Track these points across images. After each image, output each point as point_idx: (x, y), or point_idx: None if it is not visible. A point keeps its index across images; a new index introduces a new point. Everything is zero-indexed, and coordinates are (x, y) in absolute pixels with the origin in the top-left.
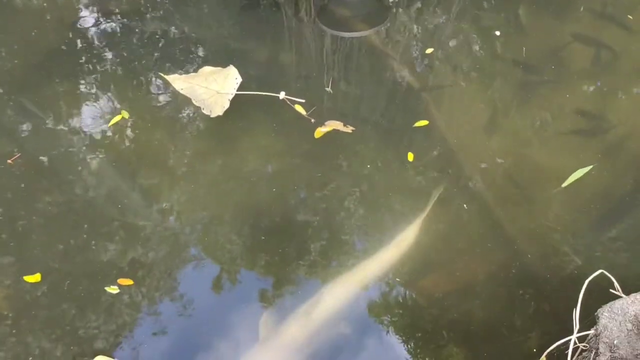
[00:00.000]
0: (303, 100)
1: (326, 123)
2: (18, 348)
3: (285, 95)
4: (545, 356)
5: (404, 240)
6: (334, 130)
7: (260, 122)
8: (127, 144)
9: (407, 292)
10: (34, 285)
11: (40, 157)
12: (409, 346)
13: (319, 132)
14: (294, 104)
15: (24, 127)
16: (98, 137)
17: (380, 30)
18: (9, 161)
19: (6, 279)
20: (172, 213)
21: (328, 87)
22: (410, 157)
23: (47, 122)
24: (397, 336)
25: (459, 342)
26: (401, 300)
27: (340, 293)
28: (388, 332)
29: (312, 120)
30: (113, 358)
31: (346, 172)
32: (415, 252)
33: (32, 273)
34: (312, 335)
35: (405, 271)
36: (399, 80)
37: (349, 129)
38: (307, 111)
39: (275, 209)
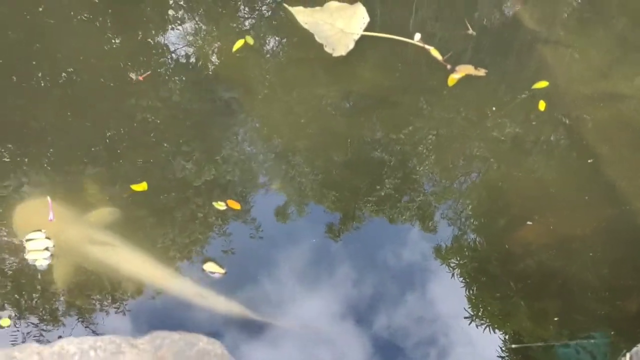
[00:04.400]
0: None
1: (457, 68)
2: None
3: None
4: None
5: None
6: (466, 75)
7: (386, 67)
8: (245, 69)
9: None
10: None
11: (162, 72)
12: (499, 295)
13: (452, 79)
14: (428, 48)
15: (152, 45)
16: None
17: None
18: (140, 78)
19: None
20: (273, 138)
21: (469, 29)
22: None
23: (171, 39)
24: (488, 286)
25: (553, 296)
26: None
27: None
28: (478, 281)
29: (448, 67)
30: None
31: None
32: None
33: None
34: None
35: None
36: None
37: (481, 72)
38: (443, 56)
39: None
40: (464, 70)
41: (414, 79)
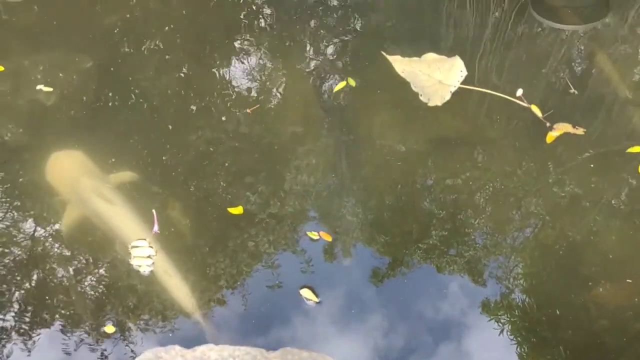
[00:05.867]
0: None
1: (555, 126)
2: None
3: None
4: None
5: None
6: (564, 133)
7: (481, 120)
8: (342, 108)
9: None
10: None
11: (273, 107)
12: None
13: (551, 136)
14: (528, 105)
15: (262, 80)
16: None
17: (598, 26)
18: (248, 110)
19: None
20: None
21: (571, 88)
22: None
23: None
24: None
25: None
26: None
27: None
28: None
29: (547, 124)
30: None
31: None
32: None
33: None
34: None
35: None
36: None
37: (580, 131)
38: (543, 113)
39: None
40: (562, 128)
41: (509, 133)
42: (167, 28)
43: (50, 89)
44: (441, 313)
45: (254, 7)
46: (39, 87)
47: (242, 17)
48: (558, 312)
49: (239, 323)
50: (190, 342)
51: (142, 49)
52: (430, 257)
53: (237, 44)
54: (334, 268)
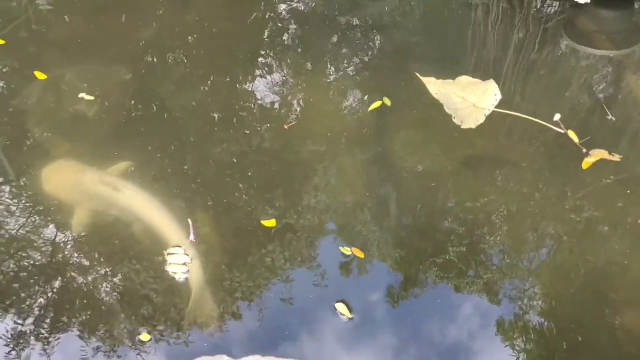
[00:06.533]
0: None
1: (591, 152)
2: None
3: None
4: None
5: None
6: (601, 160)
7: (516, 144)
8: (375, 127)
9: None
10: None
11: (308, 124)
12: None
13: (587, 162)
14: (564, 130)
15: (298, 98)
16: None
17: (634, 52)
18: (286, 126)
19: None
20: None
21: (609, 115)
22: None
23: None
24: None
25: None
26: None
27: None
28: None
29: (584, 150)
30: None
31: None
32: None
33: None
34: None
35: None
36: None
37: (616, 158)
38: (580, 139)
39: None
40: (598, 154)
41: (545, 159)
42: (205, 42)
43: (92, 98)
44: (468, 334)
45: (294, 26)
46: (81, 95)
47: (278, 35)
48: (580, 338)
49: (270, 334)
50: (237, 351)
51: (174, 62)
52: (468, 280)
53: (274, 61)
54: (365, 284)
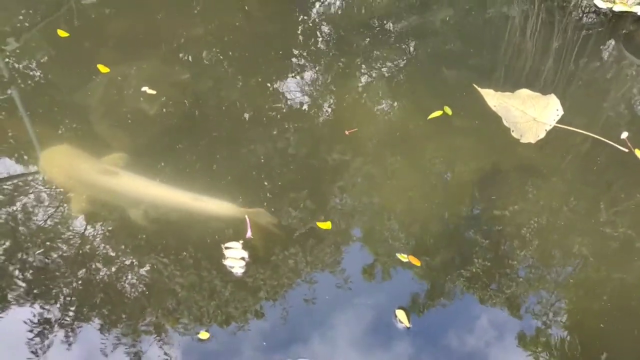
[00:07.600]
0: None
1: None
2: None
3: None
4: None
5: None
6: None
7: (578, 161)
8: (432, 136)
9: None
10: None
11: (369, 130)
12: None
13: None
14: (633, 149)
15: (359, 104)
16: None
17: None
18: (347, 132)
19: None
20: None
21: None
22: None
23: (376, 103)
24: None
25: None
26: None
27: None
28: None
29: None
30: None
31: None
32: None
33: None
34: None
35: None
36: None
37: None
38: None
39: None
40: None
41: (608, 177)
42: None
43: (154, 92)
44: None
45: (359, 38)
46: (143, 88)
47: (341, 44)
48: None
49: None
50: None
51: (230, 62)
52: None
53: (336, 70)
54: (421, 292)
